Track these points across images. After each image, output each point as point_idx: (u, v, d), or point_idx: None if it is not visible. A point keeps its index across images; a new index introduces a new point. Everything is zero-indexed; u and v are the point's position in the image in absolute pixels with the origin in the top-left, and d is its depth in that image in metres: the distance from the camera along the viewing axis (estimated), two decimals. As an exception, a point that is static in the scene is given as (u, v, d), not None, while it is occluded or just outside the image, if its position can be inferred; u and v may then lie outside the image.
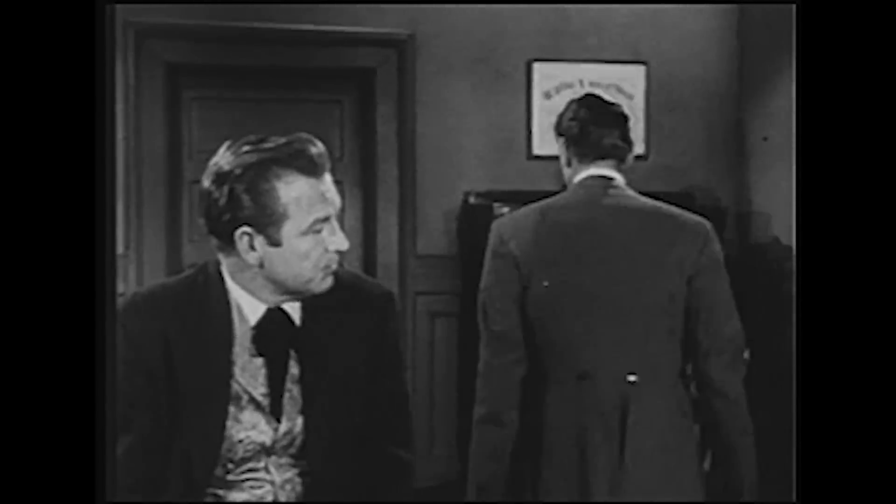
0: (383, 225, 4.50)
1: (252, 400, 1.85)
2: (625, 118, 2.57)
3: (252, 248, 1.78)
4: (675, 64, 4.69)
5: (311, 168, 1.76)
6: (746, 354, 3.84)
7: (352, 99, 4.60)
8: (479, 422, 2.47)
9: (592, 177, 2.50)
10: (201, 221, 1.83)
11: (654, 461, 2.36)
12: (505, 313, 2.45)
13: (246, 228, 1.77)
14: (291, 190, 1.75)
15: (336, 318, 1.89)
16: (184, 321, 1.83)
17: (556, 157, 2.66)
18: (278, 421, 1.86)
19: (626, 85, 4.63)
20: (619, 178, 2.53)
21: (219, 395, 1.82)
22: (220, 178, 1.77)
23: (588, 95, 2.64)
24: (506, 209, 3.85)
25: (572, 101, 2.60)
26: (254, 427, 1.85)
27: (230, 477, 1.87)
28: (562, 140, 2.57)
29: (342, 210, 1.87)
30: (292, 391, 1.86)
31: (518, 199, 3.34)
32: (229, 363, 1.83)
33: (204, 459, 1.82)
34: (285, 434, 1.86)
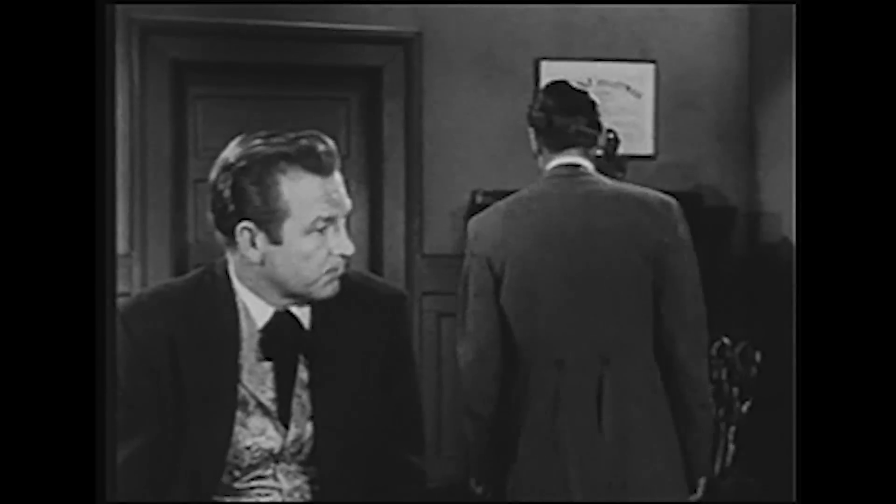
0: (390, 224, 4.46)
1: (259, 405, 1.81)
2: (592, 104, 2.60)
3: (253, 244, 1.75)
4: (684, 62, 4.65)
5: (317, 166, 1.72)
6: (758, 356, 3.84)
7: (358, 97, 4.57)
8: (462, 414, 2.58)
9: (560, 166, 2.54)
10: (208, 215, 1.80)
11: (630, 434, 2.42)
12: (479, 313, 2.51)
13: (247, 223, 1.73)
14: (295, 187, 1.72)
15: (346, 321, 1.85)
16: (190, 323, 1.79)
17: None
18: (287, 427, 1.82)
19: (634, 83, 4.59)
20: (587, 166, 2.57)
21: (225, 400, 1.77)
22: (226, 170, 1.74)
23: (554, 83, 2.68)
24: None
25: (539, 91, 2.65)
26: (261, 433, 1.80)
27: (237, 485, 1.82)
28: (531, 130, 2.61)
29: (351, 210, 1.82)
30: (301, 396, 1.82)
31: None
32: (236, 367, 1.79)
33: (210, 466, 1.78)
34: (294, 441, 1.82)
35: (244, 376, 1.80)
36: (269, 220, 1.72)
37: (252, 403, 1.80)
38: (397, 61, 4.43)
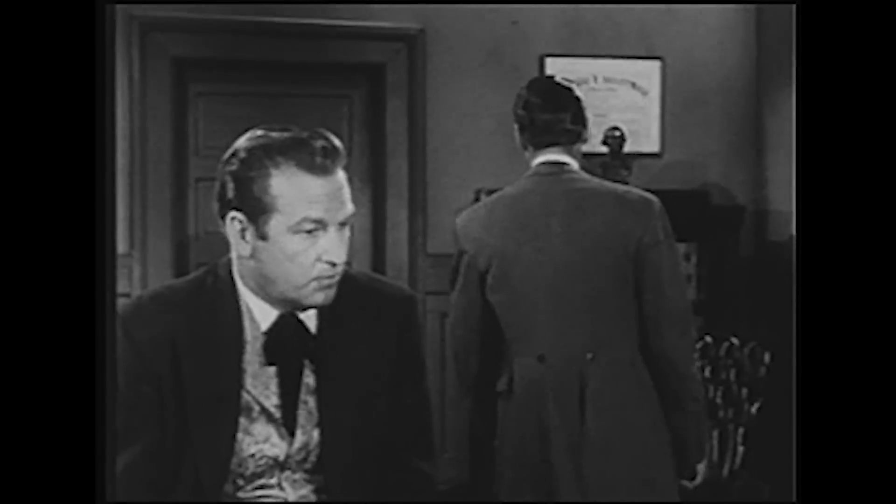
0: (393, 223, 4.43)
1: (264, 411, 1.75)
2: (577, 100, 2.60)
3: (243, 237, 1.69)
4: (691, 59, 4.61)
5: (310, 164, 1.65)
6: (767, 356, 3.80)
7: (361, 94, 4.53)
8: (463, 395, 2.71)
9: (545, 163, 2.57)
10: (213, 205, 1.76)
11: (613, 429, 2.46)
12: (463, 307, 2.59)
13: (236, 213, 1.69)
14: (284, 182, 1.65)
15: (354, 324, 1.79)
16: (191, 326, 1.74)
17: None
18: (292, 434, 1.76)
19: (640, 80, 4.56)
20: (572, 163, 2.59)
21: (228, 406, 1.71)
22: (229, 158, 1.71)
23: (538, 80, 2.73)
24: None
25: (523, 87, 2.65)
26: (266, 440, 1.74)
27: (241, 494, 1.76)
28: (516, 127, 2.63)
29: (350, 215, 1.72)
30: (308, 403, 1.76)
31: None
32: (240, 371, 1.73)
33: (212, 474, 1.71)
34: (300, 448, 1.76)
35: (248, 381, 1.74)
36: (258, 214, 1.67)
37: (256, 409, 1.74)
38: (400, 58, 4.39)
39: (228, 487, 1.75)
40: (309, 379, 1.77)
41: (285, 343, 1.75)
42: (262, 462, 1.75)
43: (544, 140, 2.58)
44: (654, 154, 4.57)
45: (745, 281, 4.35)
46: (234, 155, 1.70)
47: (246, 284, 1.76)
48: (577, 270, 2.48)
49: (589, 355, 2.47)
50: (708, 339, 3.85)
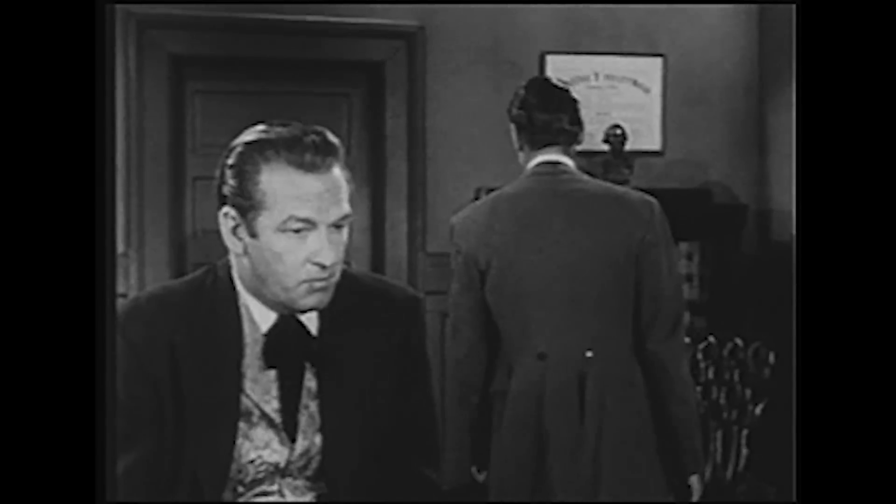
0: (392, 222, 4.39)
1: (264, 416, 1.71)
2: (573, 101, 2.64)
3: (235, 233, 1.66)
4: (693, 56, 4.57)
5: (299, 160, 1.60)
6: (771, 357, 3.77)
7: (360, 92, 4.49)
8: (450, 405, 2.65)
9: (543, 163, 2.59)
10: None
11: (608, 429, 2.48)
12: (466, 308, 2.58)
13: (229, 209, 1.65)
14: (273, 178, 1.61)
15: (357, 326, 1.75)
16: (190, 328, 1.69)
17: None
18: (293, 440, 1.71)
19: (642, 78, 4.51)
20: (569, 163, 2.62)
21: (228, 411, 1.67)
22: (227, 152, 1.68)
23: (535, 80, 2.74)
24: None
25: (520, 88, 2.68)
26: (266, 446, 1.70)
27: (240, 500, 1.72)
28: (513, 127, 2.65)
29: (344, 216, 1.66)
30: (309, 407, 1.72)
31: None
32: (239, 375, 1.69)
33: (211, 481, 1.67)
34: (301, 454, 1.72)
35: (247, 385, 1.70)
36: (248, 209, 1.63)
37: (256, 414, 1.70)
38: (400, 56, 4.35)
39: (228, 494, 1.70)
40: (310, 383, 1.72)
41: (285, 346, 1.71)
42: (262, 468, 1.71)
43: (542, 140, 2.60)
44: (656, 152, 4.53)
45: (748, 280, 4.32)
46: (232, 149, 1.67)
47: (245, 285, 1.72)
48: (578, 270, 2.50)
49: (588, 354, 2.49)
50: (711, 339, 3.82)
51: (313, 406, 1.71)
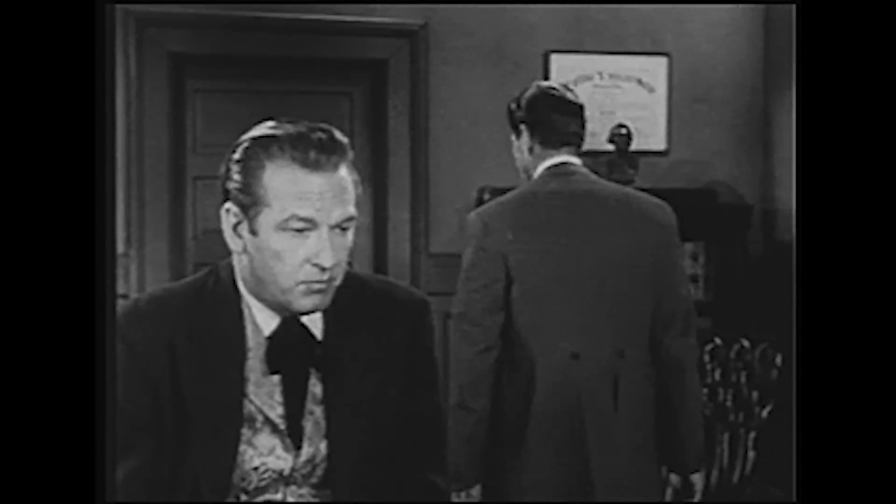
0: (394, 222, 4.36)
1: (268, 422, 1.66)
2: (581, 108, 2.70)
3: (235, 230, 1.62)
4: (698, 55, 4.54)
5: (303, 158, 1.57)
6: (779, 358, 3.74)
7: (362, 91, 4.47)
8: (452, 409, 2.55)
9: (560, 164, 2.63)
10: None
11: (639, 427, 2.56)
12: (485, 307, 2.53)
13: (231, 205, 1.62)
14: (276, 175, 1.57)
15: (363, 330, 1.71)
16: (191, 331, 1.65)
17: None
18: (298, 446, 1.67)
19: (647, 77, 4.48)
20: (580, 164, 2.67)
21: (230, 416, 1.63)
22: (234, 147, 1.64)
23: (545, 85, 2.76)
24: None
25: (530, 91, 2.72)
26: (270, 452, 1.66)
27: None
28: (523, 127, 2.67)
29: (348, 218, 1.62)
30: (315, 413, 1.68)
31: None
32: (242, 379, 1.64)
33: (214, 489, 1.63)
34: (306, 461, 1.67)
35: (251, 389, 1.65)
36: (249, 206, 1.59)
37: (260, 420, 1.66)
38: (402, 54, 4.32)
39: (230, 502, 1.66)
40: (315, 388, 1.68)
41: (289, 350, 1.66)
42: (266, 476, 1.66)
43: (558, 141, 2.65)
44: (661, 152, 4.50)
45: (753, 281, 4.28)
46: (239, 144, 1.64)
47: (247, 287, 1.68)
48: (603, 270, 2.53)
49: (618, 353, 2.53)
50: (718, 341, 3.80)
51: (318, 412, 1.67)
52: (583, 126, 2.69)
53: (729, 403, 3.79)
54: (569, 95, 2.69)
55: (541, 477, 2.52)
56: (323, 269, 1.59)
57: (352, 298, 1.70)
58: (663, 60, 4.49)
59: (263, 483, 1.67)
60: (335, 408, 1.67)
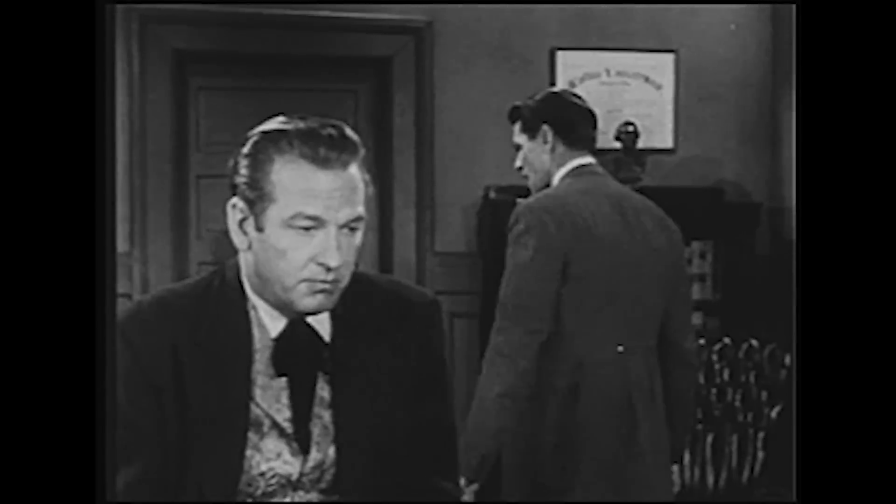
0: (400, 221, 4.35)
1: (275, 426, 1.63)
2: (595, 115, 2.80)
3: (241, 226, 1.59)
4: (705, 52, 4.52)
5: (313, 154, 1.53)
6: (787, 359, 3.72)
7: (367, 88, 4.46)
8: (496, 398, 2.52)
9: (586, 165, 2.72)
10: None
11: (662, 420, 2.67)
12: (543, 307, 2.54)
13: (237, 201, 1.59)
14: (284, 170, 1.54)
15: (372, 332, 1.67)
16: (196, 333, 1.62)
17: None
18: (306, 451, 1.64)
19: (654, 74, 4.46)
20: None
21: (236, 420, 1.59)
22: (244, 141, 1.61)
23: (561, 89, 2.99)
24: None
25: (551, 91, 2.86)
26: (277, 457, 1.62)
27: None
28: (546, 127, 2.71)
29: (356, 218, 1.58)
30: (322, 417, 1.64)
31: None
32: (248, 382, 1.61)
33: (219, 494, 1.59)
34: (314, 466, 1.64)
35: (257, 393, 1.62)
36: (256, 201, 1.56)
37: (266, 424, 1.62)
38: (407, 51, 4.31)
39: (237, 509, 1.64)
40: (323, 391, 1.65)
41: (296, 352, 1.63)
42: (273, 481, 1.63)
43: (583, 144, 2.73)
44: (668, 150, 4.47)
45: (762, 280, 4.26)
46: (249, 138, 1.61)
47: (253, 287, 1.65)
48: (640, 267, 2.62)
49: (651, 348, 2.64)
50: (727, 340, 3.77)
51: (326, 416, 1.64)
52: (595, 131, 2.80)
53: (738, 404, 3.78)
54: (582, 99, 2.80)
55: (587, 479, 2.54)
56: (328, 269, 1.56)
57: (360, 299, 1.67)
58: (670, 57, 4.47)
59: (271, 488, 1.63)
60: (343, 412, 1.63)
